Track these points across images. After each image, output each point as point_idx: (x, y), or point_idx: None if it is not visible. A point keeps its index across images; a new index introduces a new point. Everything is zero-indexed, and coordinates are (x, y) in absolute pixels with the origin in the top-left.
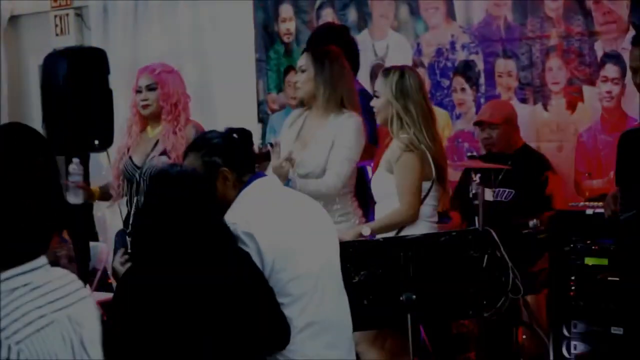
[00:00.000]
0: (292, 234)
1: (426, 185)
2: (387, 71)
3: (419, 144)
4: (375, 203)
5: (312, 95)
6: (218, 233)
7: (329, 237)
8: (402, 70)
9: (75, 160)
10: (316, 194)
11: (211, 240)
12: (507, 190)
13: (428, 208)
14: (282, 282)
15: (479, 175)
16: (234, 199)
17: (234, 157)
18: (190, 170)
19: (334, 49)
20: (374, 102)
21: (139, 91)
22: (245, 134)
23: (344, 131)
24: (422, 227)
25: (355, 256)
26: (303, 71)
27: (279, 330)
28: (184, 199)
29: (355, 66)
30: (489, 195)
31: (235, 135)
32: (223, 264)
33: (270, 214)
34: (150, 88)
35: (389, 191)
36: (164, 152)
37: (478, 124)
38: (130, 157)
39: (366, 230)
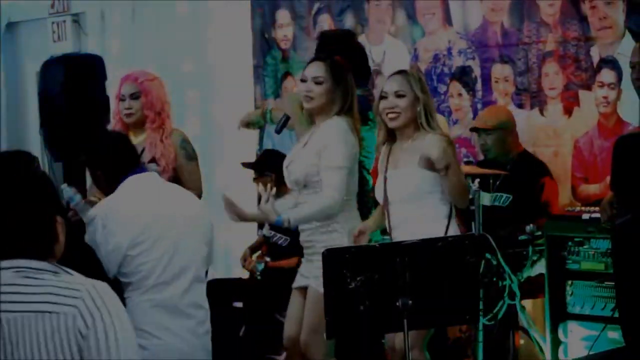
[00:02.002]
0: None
1: None
2: (404, 72)
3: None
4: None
5: (327, 107)
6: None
7: (183, 236)
8: (417, 70)
9: (64, 186)
10: (316, 216)
11: None
12: (505, 195)
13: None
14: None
15: (477, 180)
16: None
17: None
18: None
19: (343, 60)
20: (396, 102)
21: (122, 99)
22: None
23: (329, 138)
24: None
25: (351, 262)
26: (319, 83)
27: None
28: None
29: (366, 71)
30: (487, 199)
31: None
32: None
33: (119, 207)
34: (134, 97)
35: (427, 189)
36: (152, 160)
37: (474, 130)
38: None
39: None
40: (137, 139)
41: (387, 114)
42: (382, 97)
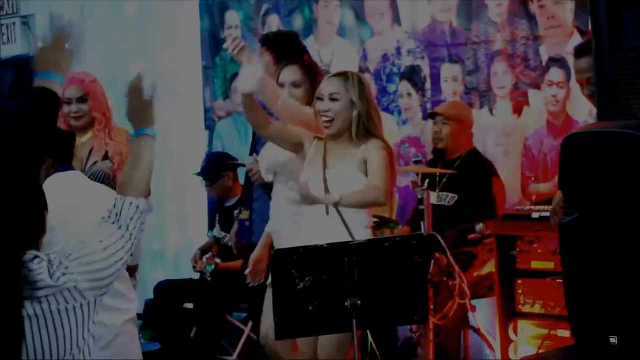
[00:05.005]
0: None
1: None
2: (344, 74)
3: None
4: None
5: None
6: None
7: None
8: (359, 76)
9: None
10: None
11: None
12: (451, 194)
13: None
14: None
15: (427, 180)
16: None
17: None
18: None
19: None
20: (330, 106)
21: (67, 102)
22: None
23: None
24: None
25: (299, 262)
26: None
27: None
28: None
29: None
30: (432, 198)
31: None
32: None
33: None
34: (81, 100)
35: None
36: (105, 158)
37: (432, 116)
38: None
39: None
40: (81, 139)
41: (321, 117)
42: (319, 98)
